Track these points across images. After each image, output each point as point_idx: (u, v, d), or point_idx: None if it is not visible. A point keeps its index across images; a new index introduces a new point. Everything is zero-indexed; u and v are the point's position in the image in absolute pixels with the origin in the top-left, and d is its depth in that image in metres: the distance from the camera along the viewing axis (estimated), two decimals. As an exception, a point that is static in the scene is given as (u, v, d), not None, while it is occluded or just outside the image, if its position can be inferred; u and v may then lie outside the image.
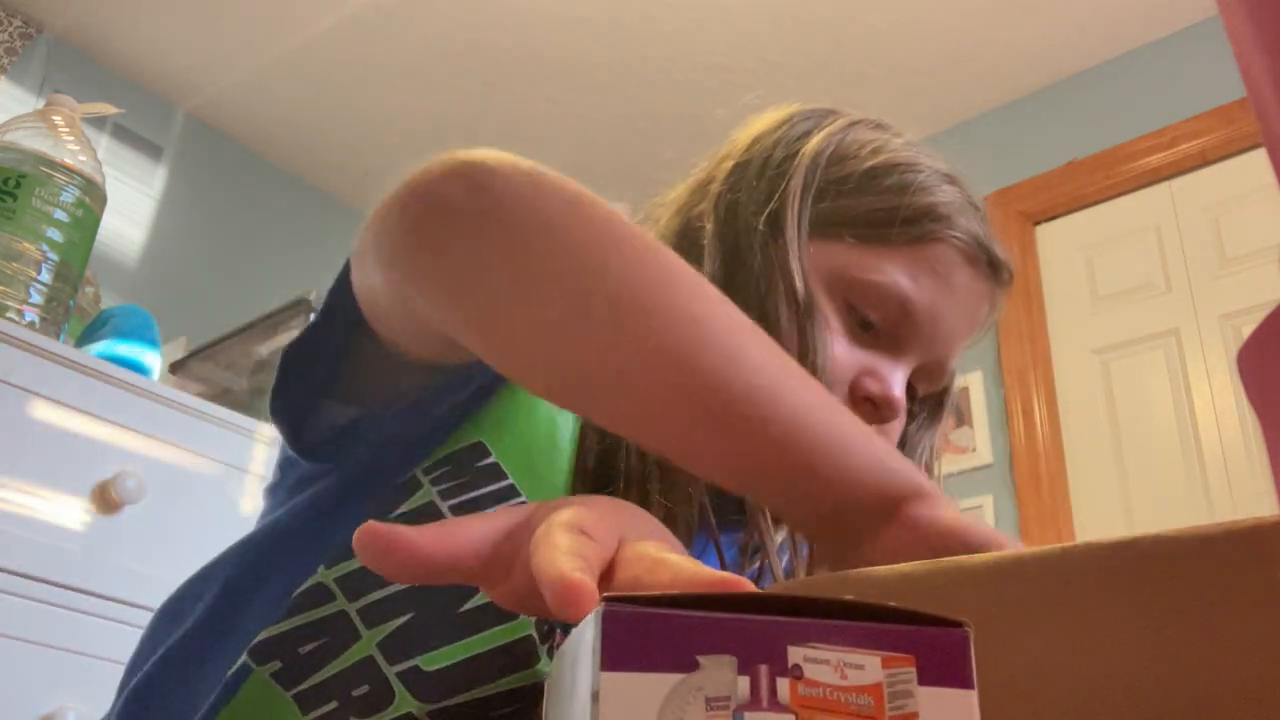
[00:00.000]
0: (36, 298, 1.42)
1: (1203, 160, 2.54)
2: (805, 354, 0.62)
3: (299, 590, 0.54)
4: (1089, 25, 2.69)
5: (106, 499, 1.42)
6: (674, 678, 0.21)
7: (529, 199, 0.44)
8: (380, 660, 0.51)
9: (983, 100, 2.93)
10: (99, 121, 2.79)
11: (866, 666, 0.22)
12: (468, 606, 0.52)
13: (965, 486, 2.59)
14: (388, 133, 3.15)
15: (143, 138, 2.98)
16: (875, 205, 0.68)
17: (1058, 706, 0.30)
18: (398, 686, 0.51)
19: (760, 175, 0.70)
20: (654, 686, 0.21)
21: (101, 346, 1.61)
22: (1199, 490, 2.30)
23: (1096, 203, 2.69)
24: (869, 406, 0.65)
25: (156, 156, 3.02)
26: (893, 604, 0.22)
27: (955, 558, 0.33)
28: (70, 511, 1.40)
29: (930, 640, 0.22)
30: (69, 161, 1.46)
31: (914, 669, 0.22)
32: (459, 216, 0.45)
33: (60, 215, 1.44)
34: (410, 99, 3.04)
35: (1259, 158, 2.31)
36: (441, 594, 0.52)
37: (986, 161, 2.88)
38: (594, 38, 2.76)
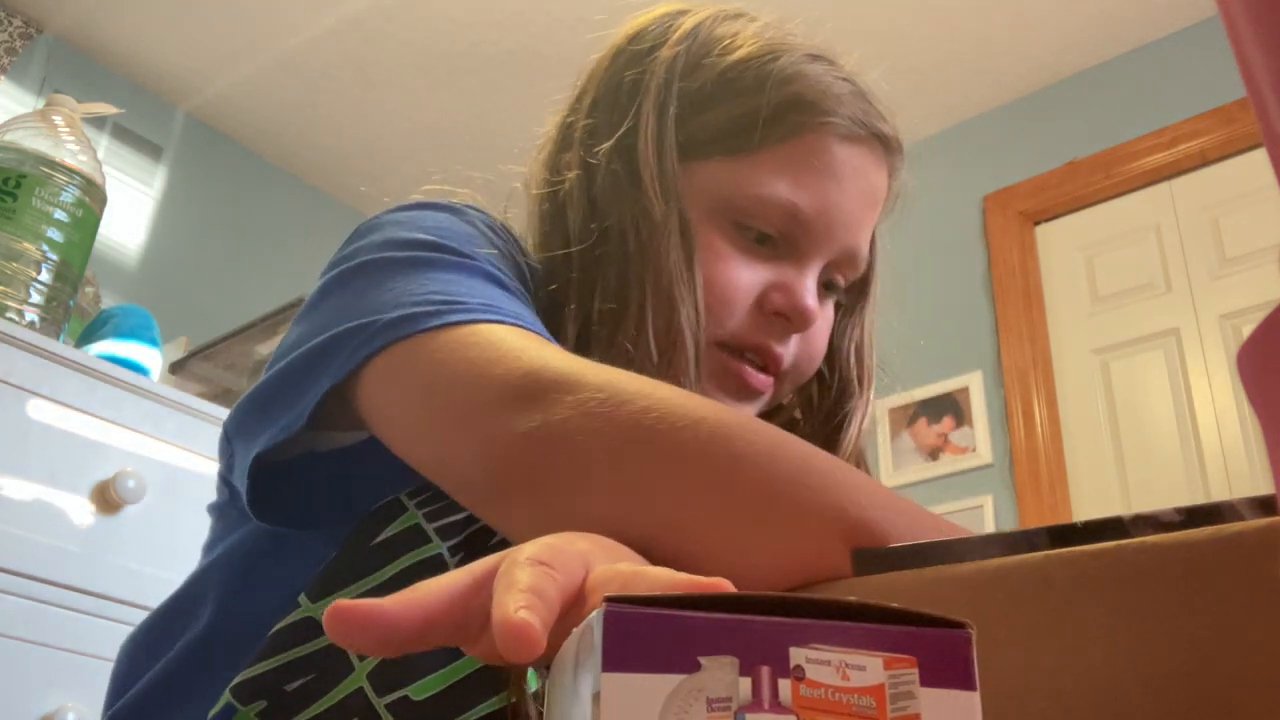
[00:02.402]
0: (36, 298, 1.42)
1: (1203, 160, 2.54)
2: (695, 288, 0.60)
3: (282, 625, 0.53)
4: (1089, 25, 2.69)
5: (106, 499, 1.42)
6: (675, 678, 0.21)
7: (595, 440, 0.45)
8: (370, 692, 0.50)
9: (983, 100, 2.93)
10: (99, 121, 2.79)
11: (868, 668, 0.22)
12: None
13: (965, 486, 2.59)
14: (388, 133, 3.15)
15: (143, 138, 2.98)
16: (735, 111, 0.64)
17: (1040, 712, 0.30)
18: (387, 718, 0.50)
19: (613, 107, 0.67)
20: (655, 687, 0.21)
21: (101, 346, 1.61)
22: (1199, 490, 2.30)
23: (1096, 203, 2.69)
24: (782, 321, 0.64)
25: (156, 156, 3.02)
26: (895, 605, 0.22)
27: (939, 566, 0.33)
28: (70, 511, 1.40)
29: (932, 641, 0.22)
30: (69, 161, 1.46)
31: (916, 670, 0.22)
32: (539, 475, 0.46)
33: (60, 215, 1.44)
34: (410, 99, 3.04)
35: (1259, 158, 2.31)
36: None
37: (986, 161, 2.88)
38: (594, 38, 2.76)
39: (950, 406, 2.69)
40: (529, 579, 0.30)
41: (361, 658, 0.51)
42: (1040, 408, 2.56)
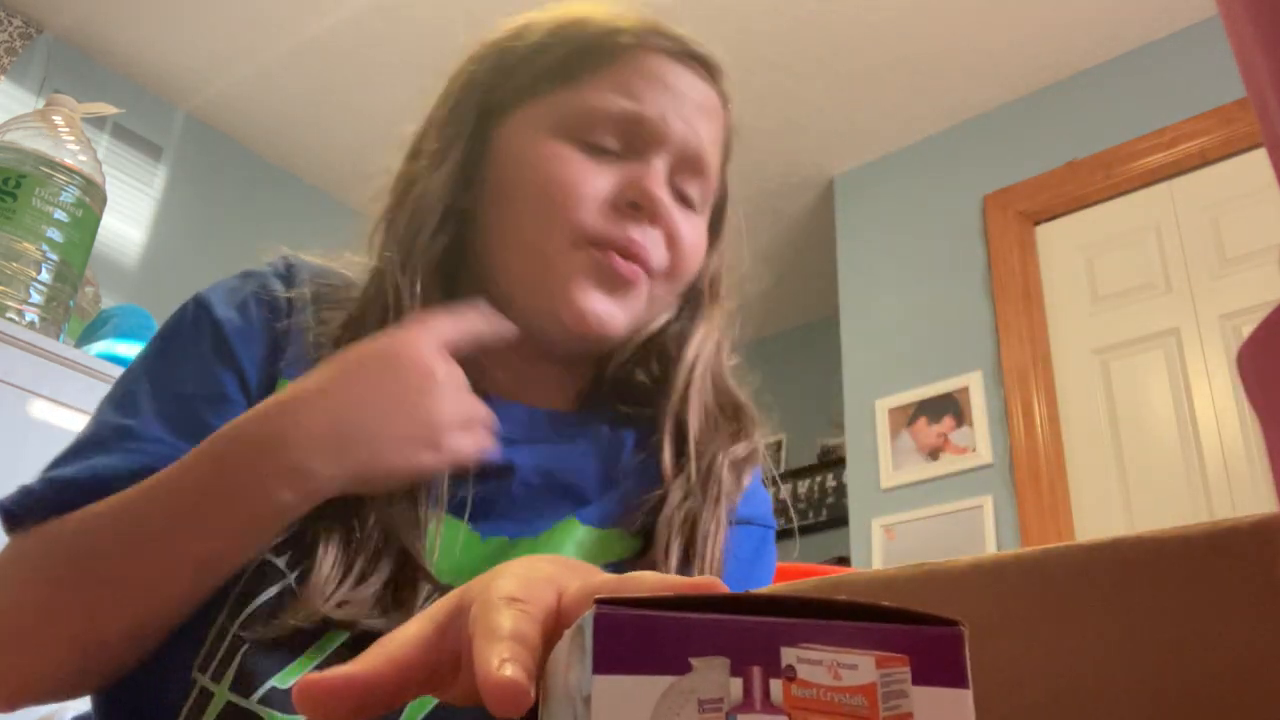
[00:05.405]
0: (36, 298, 1.42)
1: (1203, 160, 2.54)
2: (547, 202, 0.65)
3: (186, 708, 0.54)
4: (1089, 25, 2.69)
5: (106, 499, 1.42)
6: (666, 680, 0.21)
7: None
8: (235, 698, 0.52)
9: (983, 100, 2.93)
10: (99, 121, 2.79)
11: (860, 666, 0.22)
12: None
13: (965, 486, 2.59)
14: (388, 132, 3.15)
15: (143, 138, 2.98)
16: (564, 50, 0.69)
17: (1034, 707, 0.30)
18: (261, 710, 0.51)
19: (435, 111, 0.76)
20: (646, 689, 0.21)
21: (101, 346, 1.61)
22: (1199, 490, 2.30)
23: (1096, 203, 2.69)
24: (634, 211, 0.65)
25: (156, 156, 3.02)
26: (887, 603, 0.22)
27: (934, 562, 0.33)
28: (69, 511, 1.39)
29: (925, 639, 0.22)
30: (69, 161, 1.46)
31: (908, 669, 0.22)
32: None
33: (60, 215, 1.44)
34: (410, 98, 3.03)
35: (1259, 158, 2.30)
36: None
37: (986, 161, 2.88)
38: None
39: (950, 406, 2.69)
40: (509, 625, 0.29)
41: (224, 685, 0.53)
42: (1040, 408, 2.56)
